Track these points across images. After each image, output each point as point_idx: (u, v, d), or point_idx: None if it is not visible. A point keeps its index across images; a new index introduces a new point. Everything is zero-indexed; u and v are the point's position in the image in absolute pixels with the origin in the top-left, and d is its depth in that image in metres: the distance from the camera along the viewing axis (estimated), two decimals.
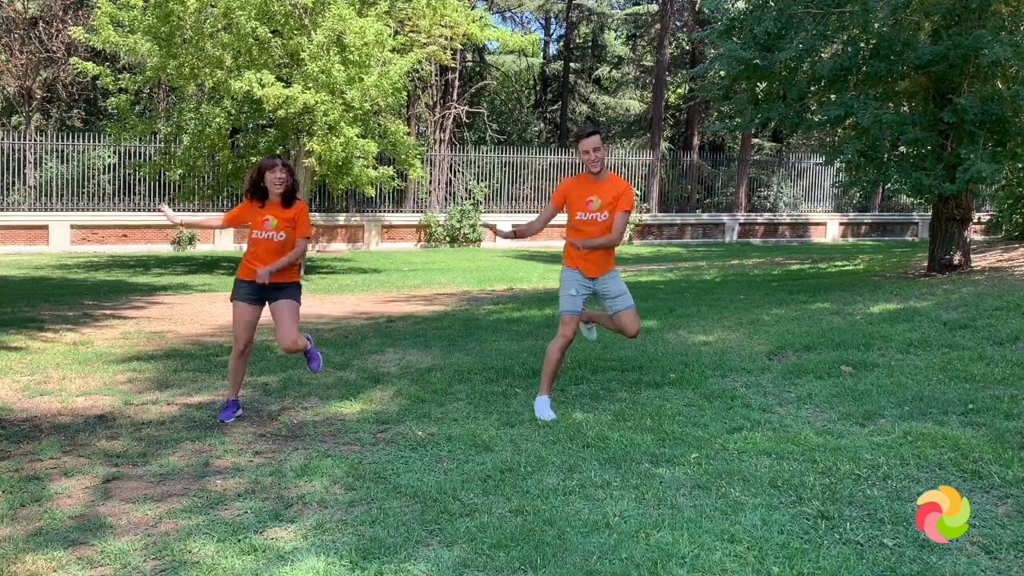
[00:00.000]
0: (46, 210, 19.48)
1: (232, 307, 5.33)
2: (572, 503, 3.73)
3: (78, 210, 19.65)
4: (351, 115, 13.30)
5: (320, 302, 10.89)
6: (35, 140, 20.63)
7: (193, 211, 19.64)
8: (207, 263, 16.66)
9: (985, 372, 5.67)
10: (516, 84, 35.30)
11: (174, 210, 19.58)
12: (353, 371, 6.56)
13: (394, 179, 15.47)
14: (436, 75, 25.38)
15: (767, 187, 27.28)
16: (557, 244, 22.58)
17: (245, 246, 5.36)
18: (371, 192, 15.12)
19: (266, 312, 5.36)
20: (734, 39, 10.88)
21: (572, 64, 34.25)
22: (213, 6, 13.34)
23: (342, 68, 12.89)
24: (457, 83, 26.56)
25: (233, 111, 14.37)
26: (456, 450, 4.53)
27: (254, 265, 5.18)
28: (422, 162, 16.18)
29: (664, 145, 28.05)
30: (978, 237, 19.76)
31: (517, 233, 5.36)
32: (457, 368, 6.53)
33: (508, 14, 34.92)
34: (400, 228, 21.82)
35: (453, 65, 23.82)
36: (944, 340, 6.70)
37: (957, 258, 10.63)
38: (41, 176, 20.15)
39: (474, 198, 22.62)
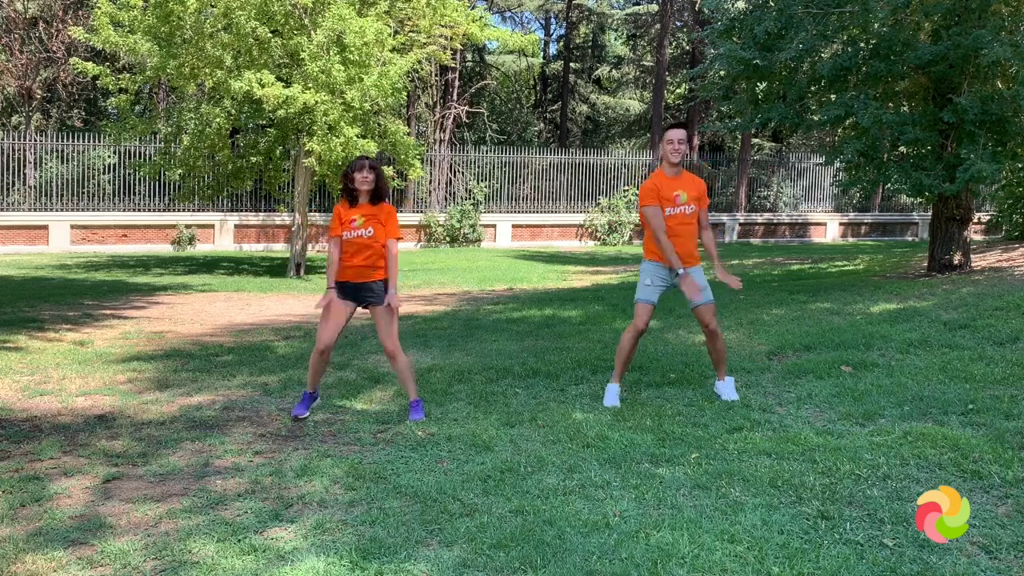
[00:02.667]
0: (46, 210, 19.48)
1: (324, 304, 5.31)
2: (572, 503, 3.73)
3: (78, 210, 19.65)
4: (351, 115, 13.30)
5: None
6: (35, 140, 20.64)
7: (193, 211, 19.65)
8: (207, 263, 16.66)
9: (985, 372, 5.67)
10: (516, 84, 35.29)
11: (178, 209, 19.64)
12: (353, 371, 6.56)
13: (394, 179, 15.47)
14: (436, 75, 25.39)
15: (767, 187, 27.28)
16: (557, 244, 22.59)
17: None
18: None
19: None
20: (734, 39, 10.88)
21: (572, 64, 34.25)
22: (213, 6, 13.33)
23: (342, 68, 12.89)
24: (457, 83, 26.56)
25: (233, 111, 14.37)
26: (456, 450, 4.53)
27: (346, 267, 5.21)
28: (422, 162, 16.19)
29: None
30: (978, 237, 19.77)
31: (682, 273, 5.35)
32: (457, 368, 6.53)
33: (508, 14, 34.91)
34: (400, 228, 21.81)
35: (453, 65, 23.82)
36: (944, 340, 6.70)
37: (957, 258, 10.63)
38: (41, 176, 20.16)
39: (474, 198, 22.62)
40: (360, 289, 5.24)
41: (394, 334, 5.23)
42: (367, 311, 5.38)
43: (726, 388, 5.53)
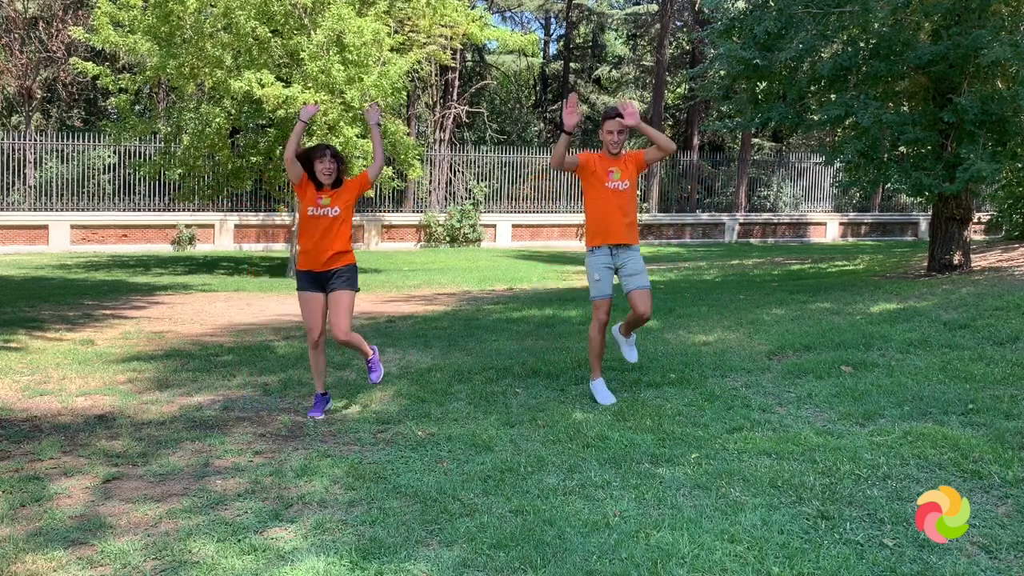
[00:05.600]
0: (46, 210, 19.48)
1: (298, 298, 5.28)
2: (572, 503, 3.73)
3: (78, 210, 19.66)
4: (351, 115, 13.30)
5: None
6: (35, 140, 20.64)
7: (193, 211, 19.65)
8: (207, 263, 16.66)
9: (985, 372, 5.67)
10: (516, 84, 35.28)
11: (178, 209, 19.65)
12: (353, 371, 6.56)
13: (394, 179, 15.48)
14: (436, 75, 25.39)
15: (767, 187, 27.28)
16: (557, 244, 22.59)
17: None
18: (371, 192, 15.14)
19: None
20: (734, 39, 10.88)
21: (572, 64, 34.26)
22: (213, 6, 13.34)
23: (341, 68, 12.90)
24: (457, 83, 26.56)
25: (233, 111, 14.37)
26: (456, 450, 4.53)
27: (309, 251, 5.14)
28: (422, 162, 16.19)
29: None
30: (978, 237, 19.77)
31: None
32: (457, 368, 6.53)
33: (508, 14, 34.92)
34: (400, 228, 21.82)
35: (453, 65, 23.82)
36: (944, 340, 6.70)
37: (957, 258, 10.63)
38: (41, 176, 20.16)
39: (474, 198, 22.63)
40: (325, 277, 5.17)
41: (349, 322, 5.16)
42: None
43: (629, 348, 5.73)
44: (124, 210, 20.10)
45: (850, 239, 25.13)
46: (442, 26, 16.19)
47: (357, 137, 13.30)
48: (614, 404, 5.36)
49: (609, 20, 33.93)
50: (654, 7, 31.01)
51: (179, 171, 15.10)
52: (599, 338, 5.57)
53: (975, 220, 15.70)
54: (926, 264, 11.38)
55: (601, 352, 5.60)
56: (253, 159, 15.07)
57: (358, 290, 5.28)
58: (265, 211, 20.47)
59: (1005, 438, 4.36)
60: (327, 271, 5.16)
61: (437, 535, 3.44)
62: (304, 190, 5.19)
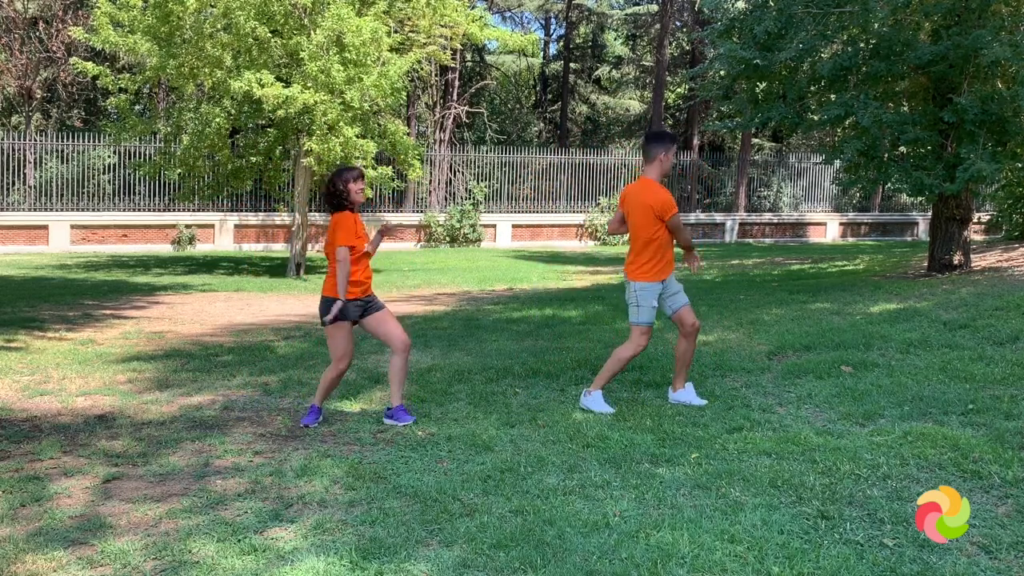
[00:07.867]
0: (46, 210, 19.48)
1: (339, 328, 5.04)
2: (572, 503, 3.73)
3: (78, 210, 19.65)
4: (350, 115, 13.29)
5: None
6: (35, 140, 20.63)
7: (193, 211, 19.64)
8: (207, 263, 16.65)
9: (985, 372, 5.67)
10: (516, 84, 35.28)
11: (178, 209, 19.66)
12: (353, 371, 6.55)
13: (393, 179, 15.47)
14: (436, 75, 25.37)
15: (767, 187, 27.27)
16: (556, 244, 22.58)
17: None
18: (370, 192, 15.13)
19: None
20: (734, 39, 10.88)
21: (572, 64, 34.23)
22: (213, 6, 13.33)
23: (341, 68, 12.89)
24: (457, 83, 26.55)
25: (233, 111, 14.36)
26: (456, 450, 4.53)
27: (359, 277, 5.04)
28: (422, 162, 16.16)
29: None
30: (978, 237, 19.76)
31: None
32: (457, 368, 6.53)
33: (508, 14, 34.89)
34: (400, 228, 21.81)
35: (453, 65, 23.80)
36: (944, 340, 6.70)
37: (957, 258, 10.62)
38: (41, 176, 20.15)
39: (474, 198, 22.62)
40: (364, 303, 5.15)
41: (401, 327, 5.21)
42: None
43: (688, 394, 5.41)
44: (124, 210, 20.08)
45: (850, 239, 25.13)
46: (442, 26, 16.16)
47: (356, 137, 13.29)
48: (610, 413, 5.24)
49: (609, 20, 33.90)
50: (654, 7, 30.99)
51: (179, 171, 15.10)
52: (628, 361, 5.45)
53: (975, 220, 15.70)
54: (926, 264, 11.38)
55: (618, 371, 5.43)
56: (253, 159, 15.07)
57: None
58: (265, 211, 20.46)
59: (1005, 438, 4.37)
60: (367, 297, 5.17)
61: (437, 535, 3.44)
62: (358, 231, 5.08)
